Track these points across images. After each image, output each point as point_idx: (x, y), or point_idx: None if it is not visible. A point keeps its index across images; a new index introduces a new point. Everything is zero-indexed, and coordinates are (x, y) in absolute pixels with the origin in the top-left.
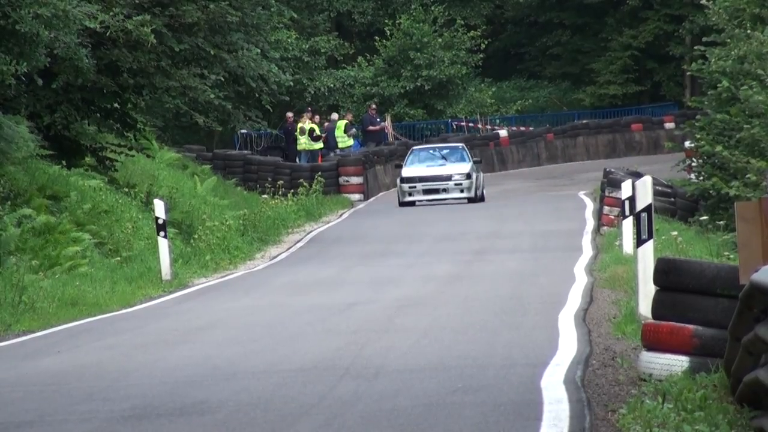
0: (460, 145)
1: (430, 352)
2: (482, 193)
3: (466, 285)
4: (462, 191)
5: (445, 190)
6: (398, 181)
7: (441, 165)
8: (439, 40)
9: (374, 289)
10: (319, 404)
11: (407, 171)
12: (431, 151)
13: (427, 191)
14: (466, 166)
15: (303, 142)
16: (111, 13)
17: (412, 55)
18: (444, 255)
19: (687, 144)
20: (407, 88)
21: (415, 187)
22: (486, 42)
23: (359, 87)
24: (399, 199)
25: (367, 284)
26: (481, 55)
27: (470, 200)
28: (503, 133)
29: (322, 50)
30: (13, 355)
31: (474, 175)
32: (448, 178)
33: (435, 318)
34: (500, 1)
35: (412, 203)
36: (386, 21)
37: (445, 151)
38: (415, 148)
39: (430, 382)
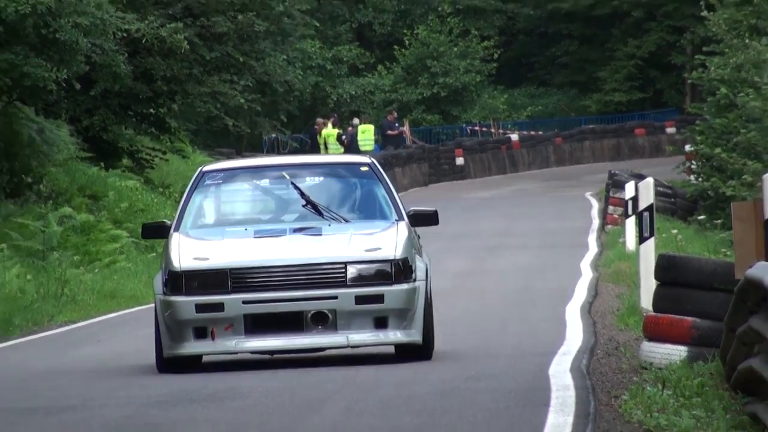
0: (365, 160)
1: (445, 342)
2: (431, 330)
3: (479, 279)
4: (384, 322)
5: (324, 320)
6: (158, 283)
7: (304, 232)
8: (455, 49)
9: None
10: (342, 390)
11: (192, 250)
12: (270, 183)
13: (262, 322)
14: (388, 236)
15: (332, 148)
16: (146, 22)
17: (429, 63)
18: (459, 251)
19: (687, 147)
20: (424, 95)
21: (220, 307)
22: (498, 51)
23: (379, 94)
24: (161, 345)
25: None
26: (494, 64)
27: (402, 349)
28: (515, 137)
29: (344, 59)
30: (56, 344)
31: (419, 266)
32: (335, 275)
33: (450, 310)
34: (512, 13)
35: (194, 360)
36: (405, 31)
37: (313, 182)
38: (210, 170)
39: (444, 370)
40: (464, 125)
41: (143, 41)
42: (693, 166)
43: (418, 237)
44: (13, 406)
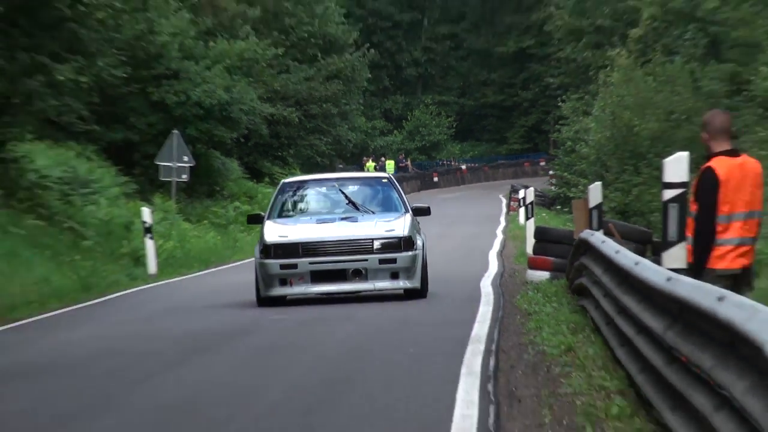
0: (384, 175)
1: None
2: (426, 280)
3: (445, 239)
4: (396, 275)
5: (359, 274)
6: (257, 251)
7: (346, 220)
8: (433, 122)
9: None
10: (360, 312)
11: (277, 231)
12: (325, 189)
13: (321, 275)
14: (399, 223)
15: None
16: (276, 107)
17: (421, 129)
18: (435, 224)
19: (551, 172)
20: (418, 146)
21: (295, 266)
22: (456, 123)
23: (395, 145)
24: (259, 289)
25: None
26: (453, 129)
27: (408, 292)
28: (464, 167)
29: (377, 127)
30: (229, 273)
31: (418, 240)
32: (366, 246)
33: (429, 257)
34: (462, 104)
35: (280, 298)
36: (408, 113)
37: (352, 188)
38: (288, 181)
39: (429, 289)
40: (438, 161)
41: (274, 117)
42: (554, 182)
43: (418, 223)
44: (211, 303)
